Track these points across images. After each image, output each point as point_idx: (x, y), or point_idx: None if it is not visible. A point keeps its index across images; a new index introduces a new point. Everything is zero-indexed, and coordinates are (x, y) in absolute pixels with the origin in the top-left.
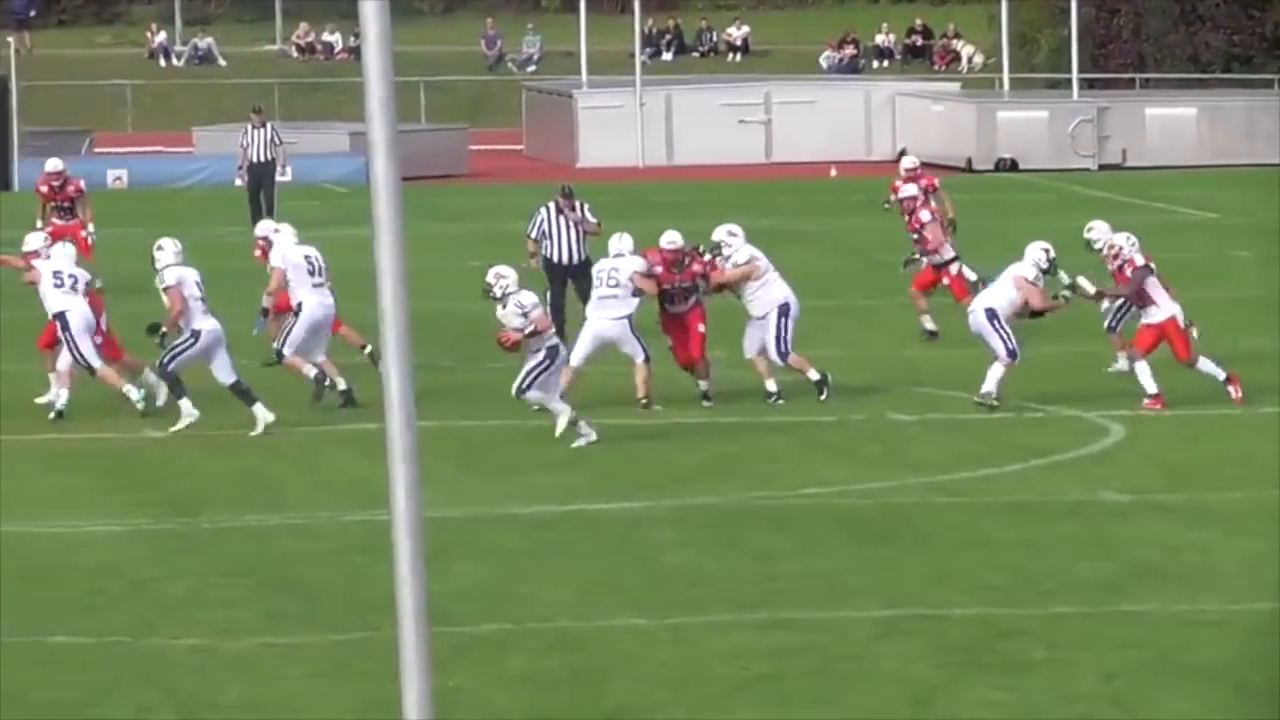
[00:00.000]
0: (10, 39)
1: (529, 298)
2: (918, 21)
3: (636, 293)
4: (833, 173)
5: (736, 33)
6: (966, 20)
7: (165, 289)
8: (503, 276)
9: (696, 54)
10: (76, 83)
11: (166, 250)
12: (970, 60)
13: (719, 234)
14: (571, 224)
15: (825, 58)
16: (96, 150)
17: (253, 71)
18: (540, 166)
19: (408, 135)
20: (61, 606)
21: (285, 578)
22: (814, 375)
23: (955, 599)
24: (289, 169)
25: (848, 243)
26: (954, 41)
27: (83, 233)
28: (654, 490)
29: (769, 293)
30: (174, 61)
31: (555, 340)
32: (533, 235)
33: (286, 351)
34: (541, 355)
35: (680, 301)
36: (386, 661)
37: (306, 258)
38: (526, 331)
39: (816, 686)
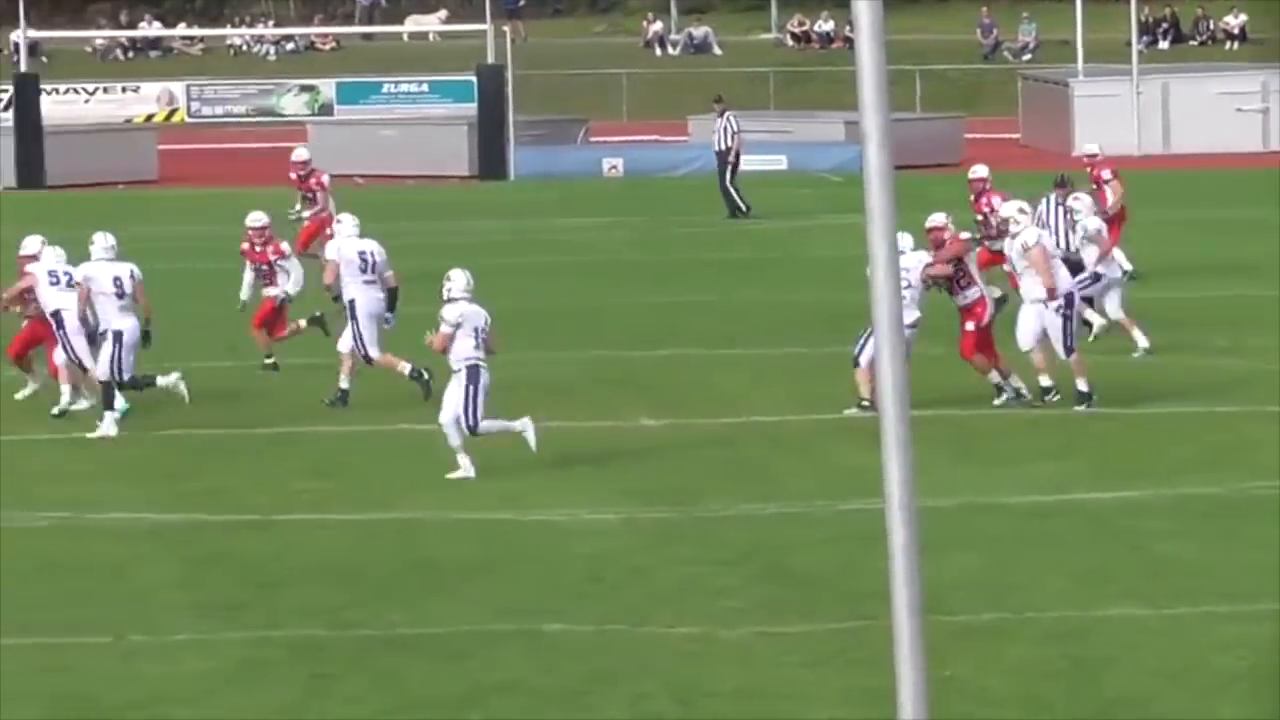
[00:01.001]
0: (505, 28)
1: (452, 312)
2: None
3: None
4: None
5: (1234, 20)
6: None
7: (74, 283)
8: (448, 280)
9: (1193, 42)
10: (572, 72)
11: (96, 244)
12: None
13: (1008, 210)
14: (1066, 215)
15: None
16: (592, 139)
17: (748, 60)
18: (1036, 155)
19: (902, 124)
20: (559, 594)
21: (781, 566)
22: (1082, 387)
23: None
24: (785, 159)
25: None
26: None
27: (331, 225)
28: (1150, 480)
29: (1054, 279)
30: (669, 50)
31: (474, 360)
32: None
33: (373, 354)
34: (462, 378)
35: (954, 292)
36: (882, 650)
37: (360, 254)
38: (431, 341)
39: None
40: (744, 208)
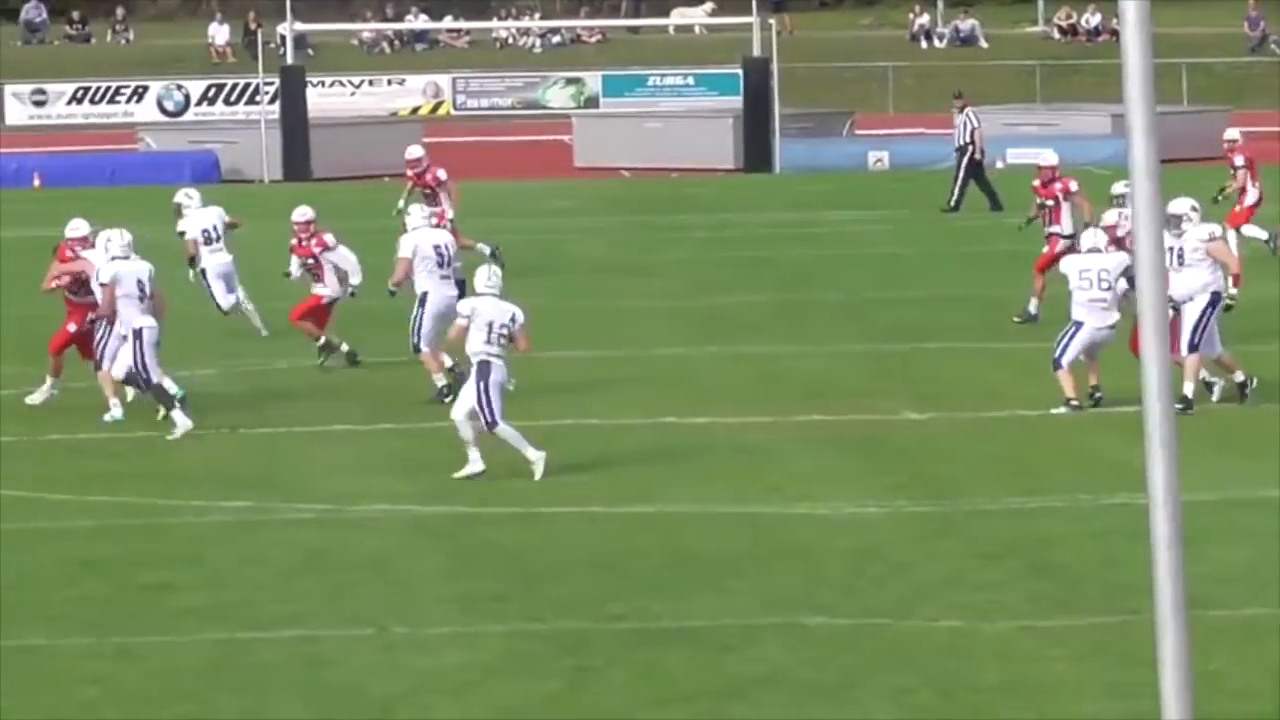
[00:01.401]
0: (771, 21)
1: (465, 306)
2: None
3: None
4: None
5: None
6: None
7: (100, 284)
8: (477, 277)
9: None
10: (837, 65)
11: (114, 244)
12: None
13: (1181, 206)
14: None
15: None
16: (857, 132)
17: (1014, 53)
18: None
19: (1167, 117)
20: (822, 587)
21: (1045, 561)
22: (1187, 391)
23: None
24: (1050, 152)
25: None
26: None
27: (444, 222)
28: None
29: (1213, 275)
30: (935, 43)
31: (484, 356)
32: None
33: (423, 346)
34: (473, 373)
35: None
36: (1145, 645)
37: (436, 247)
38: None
39: None
40: (952, 203)
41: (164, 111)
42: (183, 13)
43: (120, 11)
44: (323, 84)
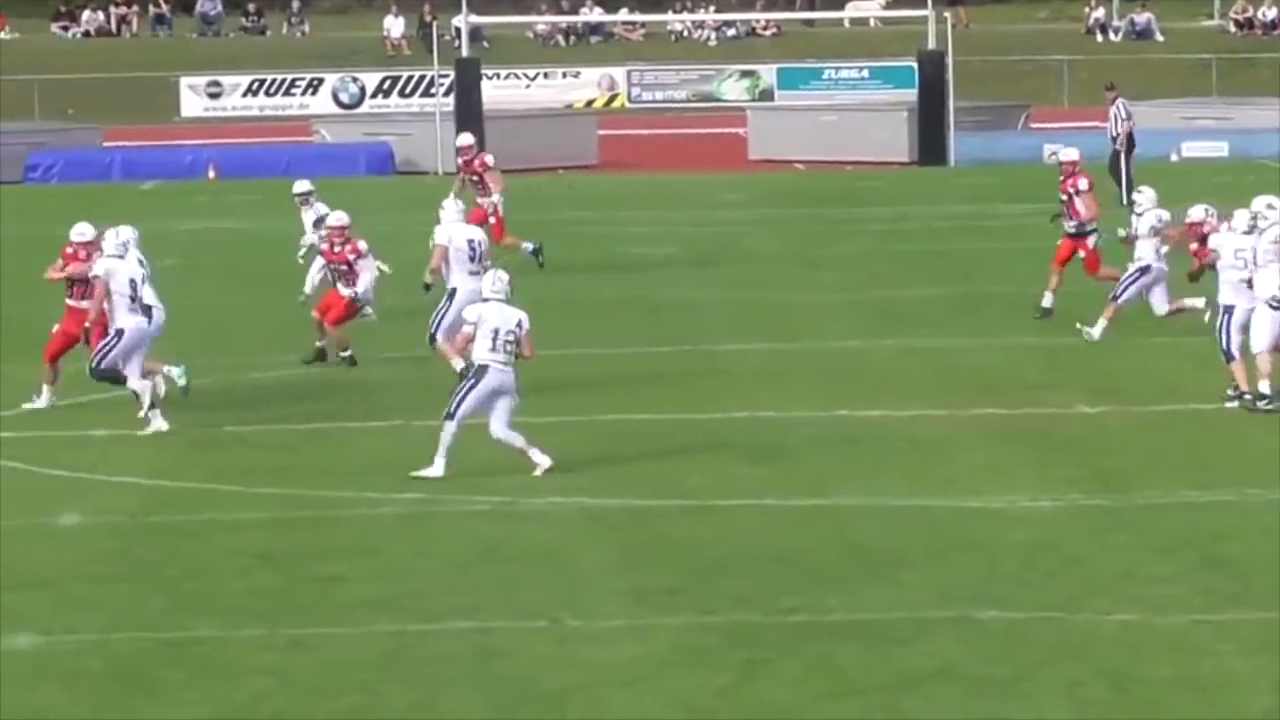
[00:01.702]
0: (947, 14)
1: (470, 312)
2: None
3: None
4: None
5: None
6: None
7: (93, 277)
8: (484, 282)
9: None
10: (1012, 58)
11: (109, 242)
12: None
13: (1258, 204)
14: None
15: None
16: (1032, 125)
17: (1190, 46)
18: None
19: None
20: (995, 581)
21: (1218, 554)
22: (1263, 386)
23: None
24: (1225, 145)
25: None
26: None
27: (490, 216)
28: None
29: None
30: (1111, 36)
31: (486, 360)
32: None
33: (440, 337)
34: (470, 374)
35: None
36: None
37: (470, 241)
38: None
39: None
40: (1125, 200)
41: (339, 104)
42: (358, 6)
43: (295, 4)
44: (497, 76)
